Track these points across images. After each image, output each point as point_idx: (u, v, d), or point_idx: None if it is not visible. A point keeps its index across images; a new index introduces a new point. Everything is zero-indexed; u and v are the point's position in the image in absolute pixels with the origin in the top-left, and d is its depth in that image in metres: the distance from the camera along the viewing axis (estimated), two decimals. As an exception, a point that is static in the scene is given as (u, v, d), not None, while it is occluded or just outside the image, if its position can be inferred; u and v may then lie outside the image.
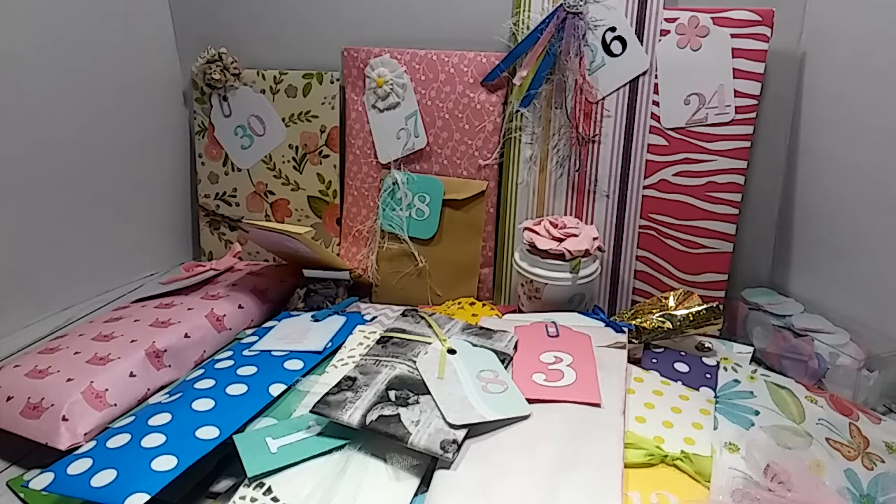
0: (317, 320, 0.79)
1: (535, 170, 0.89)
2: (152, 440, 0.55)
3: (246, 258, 1.04)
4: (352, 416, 0.57)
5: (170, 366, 0.71)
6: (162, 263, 1.05)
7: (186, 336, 0.74)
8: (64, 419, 0.59)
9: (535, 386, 0.63)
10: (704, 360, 0.72)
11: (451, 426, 0.56)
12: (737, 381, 0.67)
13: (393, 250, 0.93)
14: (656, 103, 0.82)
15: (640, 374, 0.68)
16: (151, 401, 0.66)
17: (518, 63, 0.86)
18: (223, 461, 0.57)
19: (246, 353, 0.71)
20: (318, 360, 0.70)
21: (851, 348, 0.73)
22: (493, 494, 0.51)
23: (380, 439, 0.56)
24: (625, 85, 0.83)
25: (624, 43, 0.82)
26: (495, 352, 0.68)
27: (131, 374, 0.66)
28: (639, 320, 0.75)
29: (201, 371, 0.68)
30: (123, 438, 0.56)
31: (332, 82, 0.95)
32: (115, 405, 0.64)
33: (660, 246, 0.85)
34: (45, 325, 0.85)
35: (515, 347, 0.70)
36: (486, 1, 0.87)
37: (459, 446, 0.55)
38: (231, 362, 0.69)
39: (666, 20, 0.80)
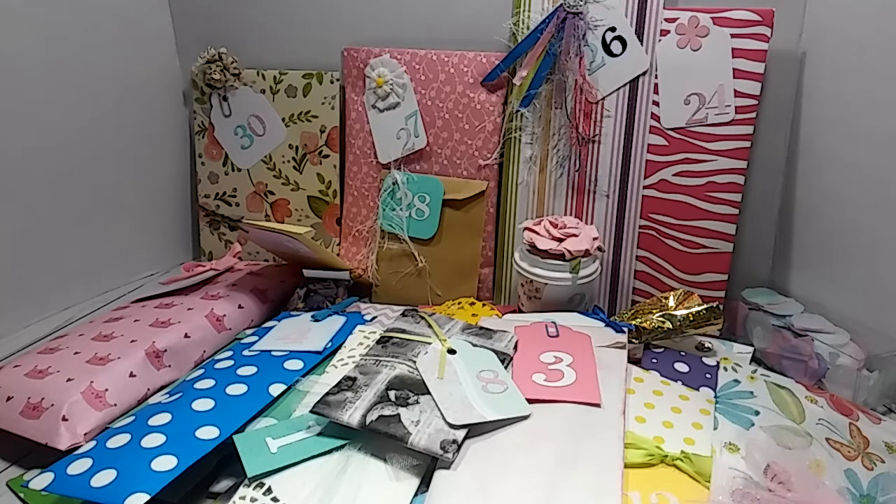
0: (317, 320, 0.79)
1: (535, 170, 0.89)
2: (152, 440, 0.55)
3: (246, 258, 1.03)
4: (352, 416, 0.57)
5: (170, 366, 0.71)
6: (162, 263, 1.05)
7: (186, 336, 0.74)
8: (64, 419, 0.59)
9: (535, 386, 0.63)
10: (704, 360, 0.72)
11: (451, 426, 0.56)
12: (737, 381, 0.67)
13: (393, 250, 0.93)
14: (656, 103, 0.82)
15: (640, 374, 0.68)
16: (151, 401, 0.66)
17: (518, 63, 0.86)
18: (223, 461, 0.57)
19: (246, 353, 0.71)
20: (318, 360, 0.70)
21: (851, 348, 0.73)
22: (493, 494, 0.51)
23: (380, 439, 0.56)
24: (625, 85, 0.83)
25: (624, 43, 0.82)
26: (495, 352, 0.68)
27: (131, 374, 0.66)
28: (639, 320, 0.75)
29: (201, 371, 0.68)
30: (123, 438, 0.56)
31: (332, 82, 0.95)
32: (115, 405, 0.63)
33: (660, 246, 0.85)
34: (45, 325, 0.85)
35: (515, 347, 0.70)
36: (486, 1, 0.87)
37: (459, 446, 0.55)
38: (231, 362, 0.69)
39: (666, 20, 0.80)
